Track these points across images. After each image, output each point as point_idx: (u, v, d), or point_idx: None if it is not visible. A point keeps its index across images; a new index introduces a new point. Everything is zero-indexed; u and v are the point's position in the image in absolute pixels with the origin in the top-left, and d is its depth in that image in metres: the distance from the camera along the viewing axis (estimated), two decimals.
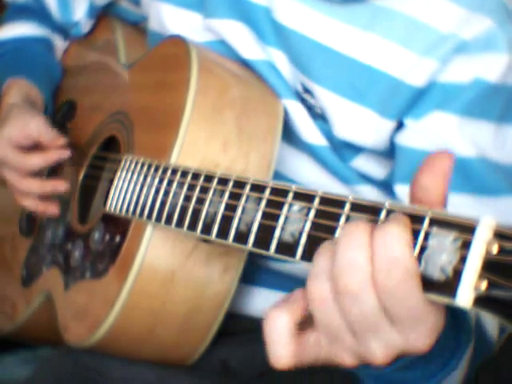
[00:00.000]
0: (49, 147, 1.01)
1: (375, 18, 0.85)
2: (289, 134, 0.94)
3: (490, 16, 0.82)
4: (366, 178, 0.95)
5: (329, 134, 0.92)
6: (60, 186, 1.01)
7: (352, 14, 0.86)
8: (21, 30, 1.22)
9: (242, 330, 1.00)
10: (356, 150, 0.92)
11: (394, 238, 0.50)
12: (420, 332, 0.51)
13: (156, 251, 0.83)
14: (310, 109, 0.92)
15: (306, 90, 0.91)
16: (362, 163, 0.94)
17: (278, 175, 0.95)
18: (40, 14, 1.22)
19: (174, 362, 0.92)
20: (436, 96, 0.83)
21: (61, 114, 1.18)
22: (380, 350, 0.51)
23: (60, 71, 1.23)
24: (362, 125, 0.88)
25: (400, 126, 0.87)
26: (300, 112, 0.92)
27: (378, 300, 0.50)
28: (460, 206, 0.84)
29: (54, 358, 0.97)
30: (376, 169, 0.94)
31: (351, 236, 0.51)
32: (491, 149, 0.84)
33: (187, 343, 0.90)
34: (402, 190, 0.87)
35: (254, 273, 1.00)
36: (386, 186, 0.95)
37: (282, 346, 0.54)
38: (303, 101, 0.92)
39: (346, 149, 0.92)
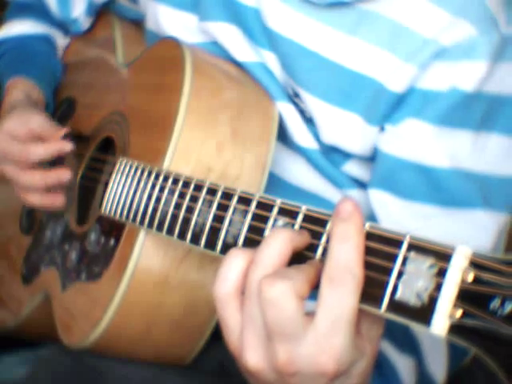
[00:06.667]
0: (51, 140, 0.99)
1: (360, 22, 0.83)
2: (284, 137, 0.93)
3: (472, 23, 0.79)
4: (359, 183, 0.94)
5: (319, 138, 0.91)
6: (64, 174, 0.97)
7: (338, 18, 0.84)
8: (22, 27, 1.22)
9: None
10: (345, 155, 0.91)
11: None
12: (328, 354, 0.53)
13: (149, 256, 0.83)
14: (302, 112, 0.91)
15: (296, 94, 0.90)
16: (353, 168, 0.93)
17: (274, 177, 0.94)
18: (40, 11, 1.22)
19: (170, 362, 0.92)
20: (414, 102, 0.81)
21: (60, 111, 1.18)
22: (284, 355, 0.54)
23: (61, 69, 1.23)
24: (349, 130, 0.87)
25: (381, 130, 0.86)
26: (293, 115, 0.91)
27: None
28: (428, 216, 0.83)
29: (54, 356, 0.98)
30: (368, 174, 0.93)
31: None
32: (467, 158, 0.82)
33: (182, 344, 0.90)
34: (374, 195, 0.86)
35: None
36: None
37: (228, 278, 0.57)
38: (295, 104, 0.91)
39: (335, 154, 0.91)
